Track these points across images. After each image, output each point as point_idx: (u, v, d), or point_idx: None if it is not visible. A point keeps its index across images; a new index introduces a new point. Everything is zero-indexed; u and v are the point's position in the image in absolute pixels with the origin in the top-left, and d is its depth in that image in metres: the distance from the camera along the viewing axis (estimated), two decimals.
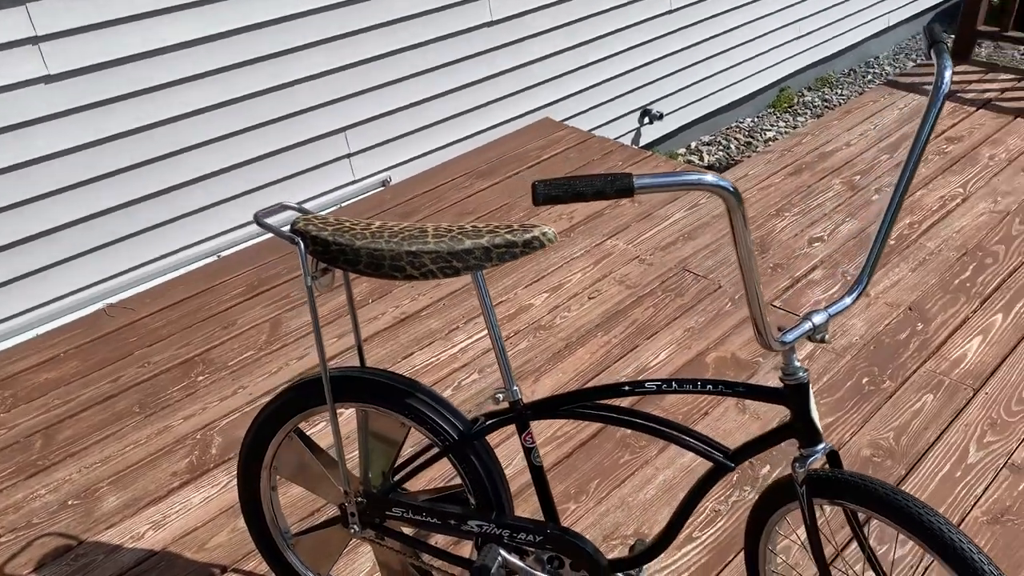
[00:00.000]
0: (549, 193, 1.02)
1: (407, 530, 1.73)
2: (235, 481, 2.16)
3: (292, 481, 1.70)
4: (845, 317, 2.63)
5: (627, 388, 1.45)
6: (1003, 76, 4.32)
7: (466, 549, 1.94)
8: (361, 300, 2.83)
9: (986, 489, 2.04)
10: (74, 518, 2.09)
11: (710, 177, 1.06)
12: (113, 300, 2.89)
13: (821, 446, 1.37)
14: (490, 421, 1.53)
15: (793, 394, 1.35)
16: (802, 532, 1.95)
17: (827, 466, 1.39)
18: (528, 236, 1.34)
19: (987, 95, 4.13)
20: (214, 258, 3.10)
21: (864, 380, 2.40)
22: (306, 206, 3.25)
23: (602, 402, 1.49)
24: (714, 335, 2.58)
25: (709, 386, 1.41)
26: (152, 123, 2.80)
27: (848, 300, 1.34)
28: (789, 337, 1.29)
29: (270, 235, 3.21)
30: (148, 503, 2.11)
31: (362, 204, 3.40)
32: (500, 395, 1.49)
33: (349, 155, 3.37)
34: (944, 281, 2.79)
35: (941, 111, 1.29)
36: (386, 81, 3.36)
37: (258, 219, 1.44)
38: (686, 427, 1.47)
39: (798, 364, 1.34)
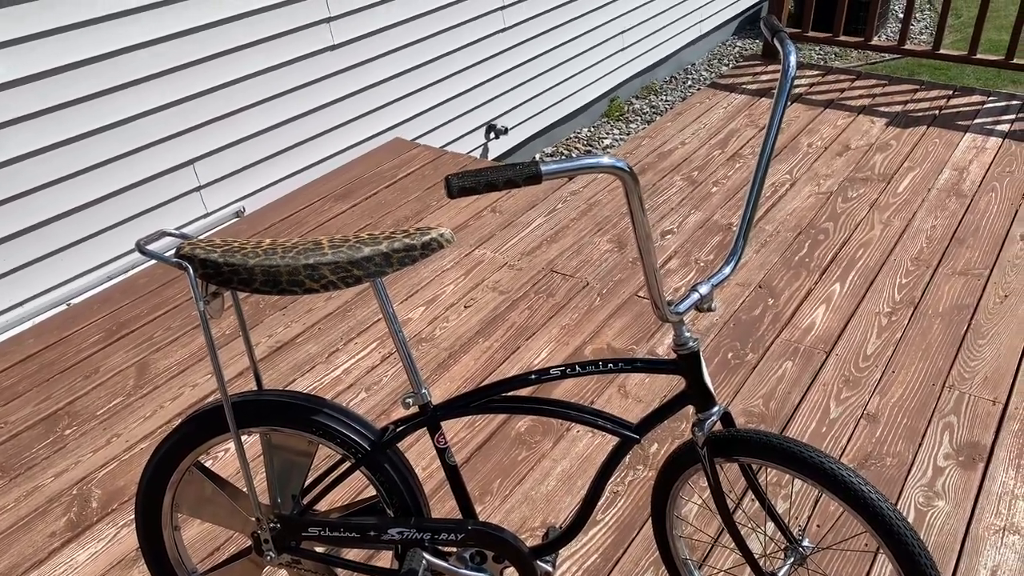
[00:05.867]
0: (463, 185, 1.06)
1: (323, 549, 1.70)
2: (122, 532, 2.05)
3: (196, 517, 1.64)
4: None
5: (533, 377, 1.50)
6: (809, 72, 4.75)
7: (383, 560, 1.93)
8: (231, 334, 2.74)
9: (849, 439, 2.24)
10: None
11: (607, 159, 1.14)
12: None
13: (716, 408, 1.47)
14: (401, 427, 1.53)
15: (687, 363, 1.44)
16: (697, 499, 2.08)
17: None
18: (426, 238, 1.37)
19: (798, 90, 4.52)
20: (64, 307, 2.92)
21: (729, 355, 2.57)
22: (186, 230, 3.11)
23: (510, 394, 1.54)
24: (589, 329, 2.69)
25: (610, 365, 1.49)
26: None
27: (727, 270, 1.45)
28: (681, 307, 1.39)
29: (122, 277, 3.07)
30: (28, 568, 1.96)
31: (218, 237, 3.30)
32: (409, 399, 1.51)
33: (199, 188, 3.27)
34: (785, 259, 3.03)
35: (792, 89, 1.43)
36: (232, 110, 3.28)
37: (141, 248, 1.39)
38: (592, 408, 1.54)
39: (688, 334, 1.43)
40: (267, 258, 1.36)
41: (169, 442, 1.56)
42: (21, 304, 2.82)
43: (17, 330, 2.81)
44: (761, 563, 1.82)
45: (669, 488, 1.63)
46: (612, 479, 2.14)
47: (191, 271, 1.37)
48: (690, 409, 2.35)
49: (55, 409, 2.45)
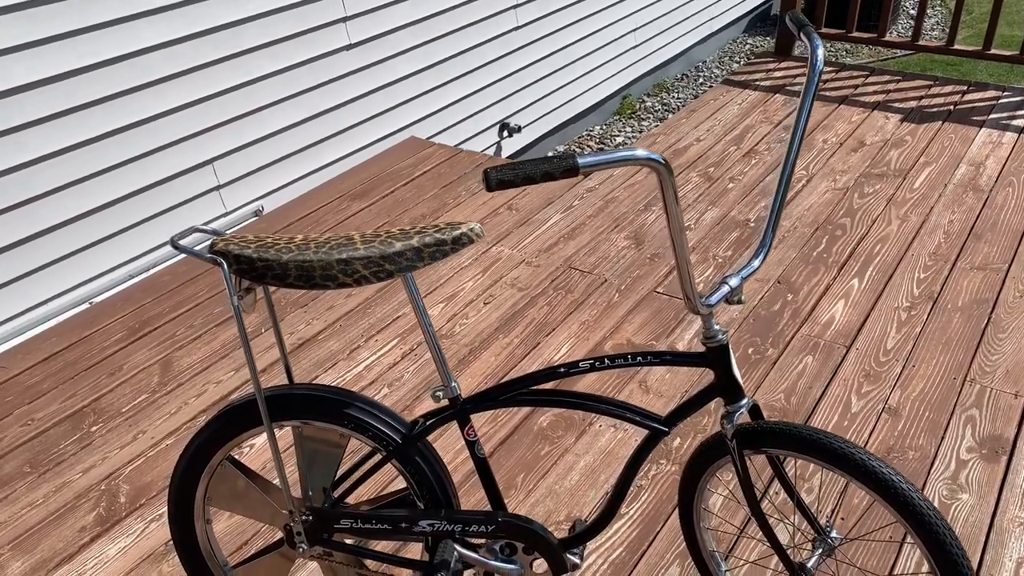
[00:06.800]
0: (501, 178, 1.07)
1: (351, 541, 1.72)
2: (151, 527, 2.07)
3: (228, 510, 1.66)
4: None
5: (562, 370, 1.52)
6: (823, 69, 4.75)
7: (413, 551, 1.94)
8: (252, 331, 2.76)
9: (871, 433, 2.24)
10: None
11: (642, 152, 1.15)
12: None
13: (745, 401, 1.48)
14: (431, 420, 1.55)
15: (716, 355, 1.45)
16: (722, 491, 2.09)
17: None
18: (457, 233, 1.38)
19: None
20: (86, 305, 2.95)
21: (750, 351, 2.58)
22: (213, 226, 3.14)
23: (538, 387, 1.55)
24: (608, 325, 2.70)
25: (639, 358, 1.50)
26: (3, 170, 2.64)
27: (756, 263, 1.46)
28: (712, 300, 1.40)
29: (144, 276, 3.09)
30: (59, 563, 1.99)
31: (249, 233, 3.31)
32: (439, 392, 1.53)
33: (219, 187, 3.29)
34: (804, 254, 3.04)
35: (819, 83, 1.44)
36: (250, 110, 3.31)
37: (175, 244, 1.41)
38: (619, 401, 1.55)
39: (717, 327, 1.44)
40: (300, 253, 1.38)
41: (202, 436, 1.58)
42: (44, 303, 2.84)
43: (40, 329, 2.84)
44: (788, 554, 1.82)
45: (697, 481, 1.64)
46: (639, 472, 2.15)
47: (225, 267, 1.39)
48: (712, 403, 2.36)
49: (81, 406, 2.48)
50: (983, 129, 3.93)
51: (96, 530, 2.07)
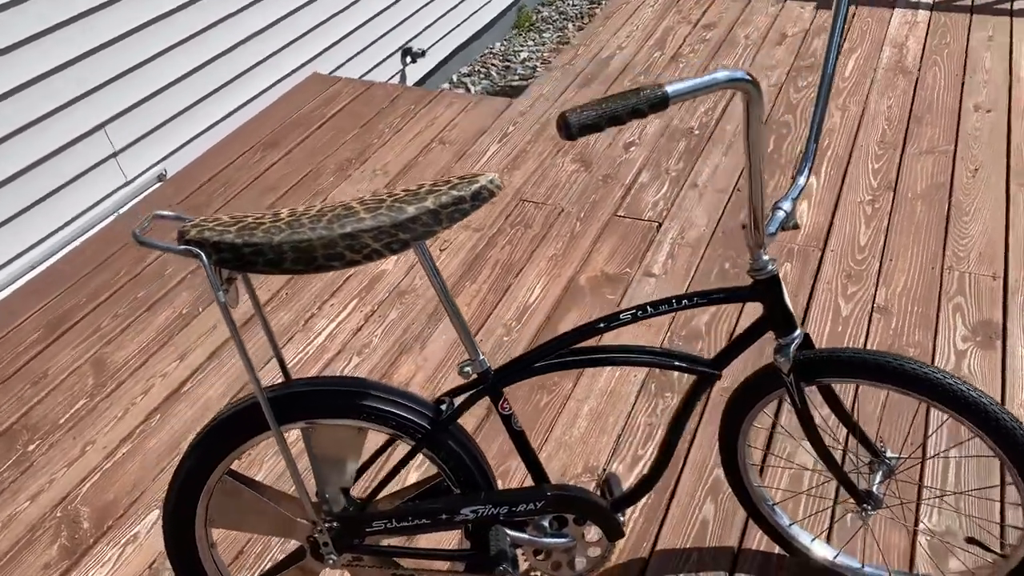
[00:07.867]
0: (584, 122, 0.89)
1: (386, 542, 1.55)
2: (127, 552, 1.84)
3: (236, 529, 1.47)
4: (687, 211, 2.71)
5: (602, 325, 1.37)
6: None
7: (423, 541, 1.79)
8: (189, 312, 2.49)
9: (867, 335, 2.20)
10: None
11: (723, 74, 0.99)
12: None
13: (798, 332, 1.37)
14: (460, 400, 1.38)
15: (766, 287, 1.34)
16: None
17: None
18: (475, 187, 1.20)
19: None
20: None
21: (726, 265, 2.49)
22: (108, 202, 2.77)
23: (572, 347, 1.40)
24: (576, 257, 2.55)
25: (685, 301, 1.37)
26: None
27: (801, 181, 1.35)
28: (771, 229, 1.28)
29: (46, 266, 2.73)
30: None
31: (142, 206, 2.97)
32: (468, 368, 1.36)
33: (115, 153, 2.92)
34: None
35: None
36: (137, 62, 2.92)
37: (139, 239, 1.17)
38: (662, 349, 1.42)
39: (767, 258, 1.32)
40: (294, 232, 1.17)
41: (195, 453, 1.37)
42: None
43: None
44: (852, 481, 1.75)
45: (742, 420, 1.54)
46: (633, 421, 2.04)
47: (205, 258, 1.16)
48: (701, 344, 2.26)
49: (8, 424, 2.17)
50: (896, 9, 3.90)
51: (63, 565, 1.82)
